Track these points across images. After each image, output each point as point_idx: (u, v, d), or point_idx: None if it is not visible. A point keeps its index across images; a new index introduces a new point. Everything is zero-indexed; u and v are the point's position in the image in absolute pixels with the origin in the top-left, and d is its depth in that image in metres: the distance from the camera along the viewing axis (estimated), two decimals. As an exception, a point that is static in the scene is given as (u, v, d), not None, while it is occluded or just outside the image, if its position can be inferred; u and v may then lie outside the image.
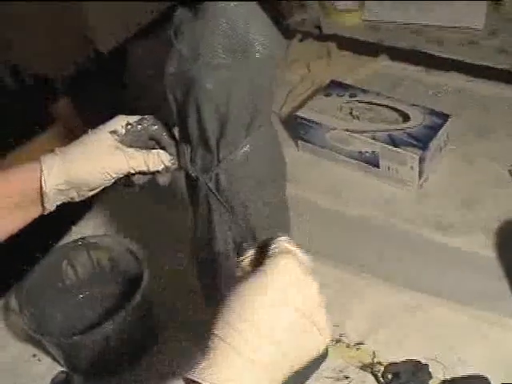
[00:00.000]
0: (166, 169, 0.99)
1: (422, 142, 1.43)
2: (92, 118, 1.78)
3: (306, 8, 2.11)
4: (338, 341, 1.21)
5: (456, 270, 1.31)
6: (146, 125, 0.99)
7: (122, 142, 0.98)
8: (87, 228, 1.45)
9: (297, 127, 1.58)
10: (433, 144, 1.45)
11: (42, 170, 0.94)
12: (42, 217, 1.00)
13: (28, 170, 0.95)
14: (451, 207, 1.45)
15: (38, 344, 1.23)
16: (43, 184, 0.94)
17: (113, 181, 0.98)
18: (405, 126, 1.48)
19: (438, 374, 1.14)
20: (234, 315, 0.67)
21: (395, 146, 1.44)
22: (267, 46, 0.81)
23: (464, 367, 1.15)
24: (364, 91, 1.60)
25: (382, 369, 1.16)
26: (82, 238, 1.28)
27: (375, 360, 1.18)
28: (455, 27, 1.97)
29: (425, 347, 1.18)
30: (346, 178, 1.54)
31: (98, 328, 1.12)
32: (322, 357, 1.18)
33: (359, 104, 1.56)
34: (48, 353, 1.22)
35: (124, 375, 1.20)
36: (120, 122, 0.99)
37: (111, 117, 1.00)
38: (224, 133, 0.84)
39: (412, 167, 1.42)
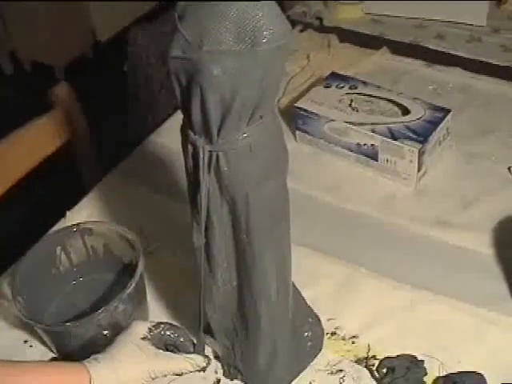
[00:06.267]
0: (203, 369, 1.07)
1: (421, 135, 1.42)
2: (91, 104, 1.78)
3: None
4: (332, 334, 1.20)
5: (454, 267, 1.30)
6: (162, 330, 1.06)
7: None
8: (81, 215, 1.44)
9: (295, 118, 1.57)
10: (432, 138, 1.44)
11: (91, 378, 0.97)
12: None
13: (75, 373, 0.99)
14: (450, 204, 1.44)
15: (30, 330, 1.22)
16: None
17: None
18: (404, 119, 1.47)
19: (433, 370, 1.13)
20: None
21: (394, 139, 1.42)
22: (277, 36, 0.79)
23: (460, 364, 1.14)
24: (364, 84, 1.59)
25: (377, 363, 1.15)
26: (77, 224, 1.26)
27: (370, 354, 1.17)
28: (457, 23, 1.97)
29: (421, 343, 1.17)
30: (343, 170, 1.53)
31: (91, 316, 1.11)
32: (317, 350, 1.17)
33: (359, 96, 1.55)
34: (40, 339, 1.20)
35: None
36: (143, 328, 1.06)
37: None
38: (226, 120, 0.82)
39: (411, 160, 1.41)
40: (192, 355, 1.06)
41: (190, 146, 0.88)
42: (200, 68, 0.79)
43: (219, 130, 0.84)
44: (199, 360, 1.06)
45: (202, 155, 0.86)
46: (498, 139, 1.59)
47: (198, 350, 1.09)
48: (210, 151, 0.86)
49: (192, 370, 1.05)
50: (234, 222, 0.93)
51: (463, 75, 1.79)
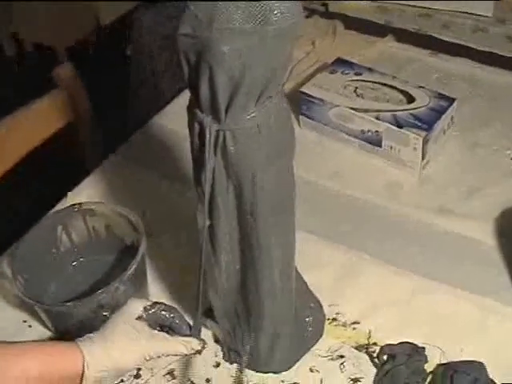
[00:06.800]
0: (198, 353, 1.05)
1: (426, 123, 1.42)
2: (94, 85, 1.77)
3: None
4: (333, 319, 1.20)
5: (457, 256, 1.30)
6: (157, 310, 1.04)
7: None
8: (82, 196, 1.43)
9: (300, 103, 1.56)
10: (437, 126, 1.43)
11: (84, 358, 0.96)
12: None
13: (68, 353, 0.97)
14: (453, 193, 1.43)
15: (29, 310, 1.22)
16: (86, 372, 0.96)
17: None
18: (409, 107, 1.47)
19: (434, 358, 1.13)
20: None
21: (399, 126, 1.42)
22: (287, 15, 0.78)
23: (461, 353, 1.14)
24: (370, 70, 1.58)
25: (378, 350, 1.14)
26: (79, 204, 1.26)
27: (371, 341, 1.16)
28: (463, 13, 1.95)
29: (423, 331, 1.17)
30: (347, 157, 1.52)
31: (92, 296, 1.10)
32: (318, 335, 1.17)
33: (364, 83, 1.55)
34: (39, 319, 1.20)
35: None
36: (138, 307, 1.03)
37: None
38: (234, 99, 0.82)
39: (415, 148, 1.41)
40: (187, 338, 1.05)
41: (196, 125, 0.87)
42: (209, 46, 0.78)
43: (227, 109, 0.83)
44: (194, 343, 1.04)
45: (208, 134, 0.85)
46: (502, 129, 1.58)
47: (194, 332, 1.07)
48: (217, 130, 0.85)
49: (187, 353, 1.04)
50: (239, 203, 0.92)
51: (468, 65, 1.79)
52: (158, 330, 1.04)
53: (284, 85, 1.63)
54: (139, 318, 1.02)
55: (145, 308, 1.04)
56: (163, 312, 1.05)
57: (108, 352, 0.98)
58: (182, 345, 1.03)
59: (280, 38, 0.79)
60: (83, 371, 0.96)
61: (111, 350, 0.98)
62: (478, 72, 1.76)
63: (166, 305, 1.06)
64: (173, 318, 1.05)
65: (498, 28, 1.89)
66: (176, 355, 1.05)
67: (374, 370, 1.13)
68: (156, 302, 1.06)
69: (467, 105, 1.62)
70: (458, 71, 1.76)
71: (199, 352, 1.05)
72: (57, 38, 3.42)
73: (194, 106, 0.87)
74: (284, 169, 0.93)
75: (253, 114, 0.84)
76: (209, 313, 1.11)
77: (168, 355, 1.03)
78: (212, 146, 0.86)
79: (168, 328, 1.06)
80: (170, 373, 1.14)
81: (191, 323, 1.07)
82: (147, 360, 1.01)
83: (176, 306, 1.15)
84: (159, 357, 1.02)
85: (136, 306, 1.04)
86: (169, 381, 1.13)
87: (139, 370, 1.13)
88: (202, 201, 0.93)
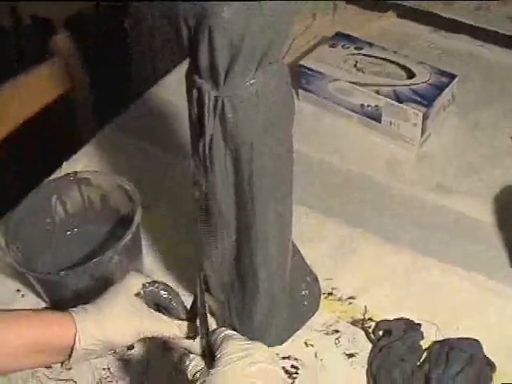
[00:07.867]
0: (193, 338, 1.00)
1: (426, 99, 1.40)
2: (92, 57, 1.76)
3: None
4: (329, 294, 1.19)
5: (454, 233, 1.29)
6: (156, 288, 1.01)
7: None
8: (78, 166, 1.42)
9: (299, 77, 1.54)
10: (437, 102, 1.42)
11: (76, 330, 0.94)
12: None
13: (62, 323, 0.95)
14: (452, 170, 1.43)
15: (22, 279, 1.21)
16: (77, 343, 0.94)
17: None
18: (410, 82, 1.45)
19: (430, 334, 1.12)
20: None
21: (399, 101, 1.40)
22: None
23: (457, 331, 1.13)
24: (370, 45, 1.56)
25: (373, 325, 1.14)
26: (74, 173, 1.24)
27: (366, 316, 1.16)
28: (466, -10, 1.94)
29: (419, 308, 1.16)
30: (346, 131, 1.51)
31: (85, 266, 1.09)
32: (313, 309, 1.16)
33: (365, 57, 1.53)
34: (33, 288, 1.19)
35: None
36: (138, 283, 1.01)
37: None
38: (234, 65, 0.80)
39: (415, 124, 1.39)
40: (182, 322, 1.02)
41: (195, 92, 0.86)
42: (210, 10, 0.77)
43: (226, 75, 0.82)
44: (189, 329, 1.01)
45: (207, 101, 0.84)
46: (502, 109, 1.57)
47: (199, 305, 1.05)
48: (216, 97, 0.84)
49: (181, 336, 1.01)
50: (236, 171, 0.91)
51: (470, 43, 1.77)
52: (154, 310, 1.02)
53: (282, 59, 1.62)
54: (137, 294, 1.00)
55: (143, 285, 1.01)
56: (162, 291, 1.03)
57: (102, 325, 0.95)
58: (177, 328, 1.01)
59: (281, 3, 0.78)
60: (74, 343, 0.94)
61: (105, 324, 0.95)
62: (480, 50, 1.74)
63: (165, 284, 1.04)
64: (170, 299, 1.03)
65: (500, 7, 1.88)
66: (170, 337, 1.03)
67: (370, 346, 1.12)
68: (155, 281, 1.04)
69: (467, 83, 1.61)
70: (460, 49, 1.74)
71: (193, 337, 1.01)
72: (55, 10, 3.39)
73: (192, 71, 0.85)
74: (282, 138, 0.91)
75: (252, 81, 0.83)
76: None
77: (161, 336, 1.01)
78: (211, 112, 0.85)
79: (164, 309, 1.04)
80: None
81: (188, 306, 1.05)
82: (141, 338, 1.00)
83: (171, 279, 1.14)
84: (153, 336, 1.01)
85: (135, 282, 1.01)
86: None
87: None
88: (200, 169, 0.92)
